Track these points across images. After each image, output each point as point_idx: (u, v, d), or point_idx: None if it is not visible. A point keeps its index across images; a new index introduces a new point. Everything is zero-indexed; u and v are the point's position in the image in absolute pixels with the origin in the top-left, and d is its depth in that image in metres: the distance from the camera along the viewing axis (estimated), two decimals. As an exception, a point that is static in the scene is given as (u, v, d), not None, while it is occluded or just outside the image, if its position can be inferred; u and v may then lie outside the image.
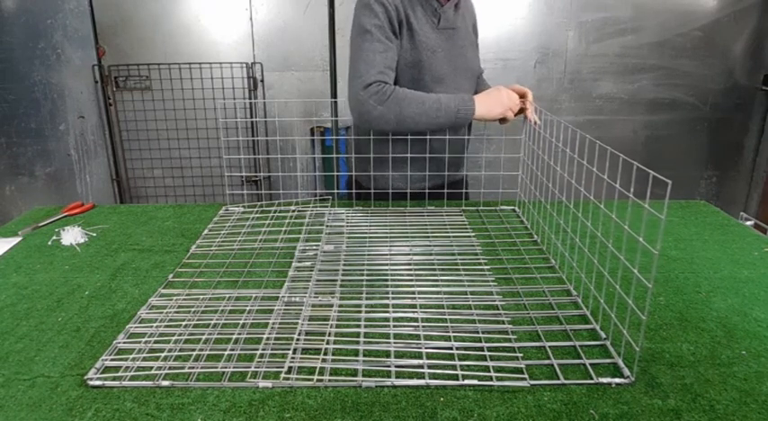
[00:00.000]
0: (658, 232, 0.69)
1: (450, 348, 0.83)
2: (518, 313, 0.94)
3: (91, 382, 0.76)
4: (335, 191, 1.49)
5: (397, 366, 0.79)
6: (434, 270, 1.09)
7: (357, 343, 0.85)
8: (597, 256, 0.95)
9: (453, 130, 1.42)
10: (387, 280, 1.05)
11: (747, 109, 2.82)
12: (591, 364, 0.79)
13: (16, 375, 0.79)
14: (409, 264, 1.12)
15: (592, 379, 0.76)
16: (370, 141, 1.42)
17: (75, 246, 1.25)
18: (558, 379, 0.76)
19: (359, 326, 0.89)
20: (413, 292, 1.00)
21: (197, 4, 2.64)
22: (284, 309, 0.94)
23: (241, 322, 0.91)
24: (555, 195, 1.16)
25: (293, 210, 1.45)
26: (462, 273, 1.08)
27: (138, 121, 2.74)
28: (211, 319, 0.92)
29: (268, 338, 0.85)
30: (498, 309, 0.95)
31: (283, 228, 1.33)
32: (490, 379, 0.76)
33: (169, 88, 2.69)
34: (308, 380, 0.76)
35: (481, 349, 0.83)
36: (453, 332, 0.87)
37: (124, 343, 0.86)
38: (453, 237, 1.26)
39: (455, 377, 0.77)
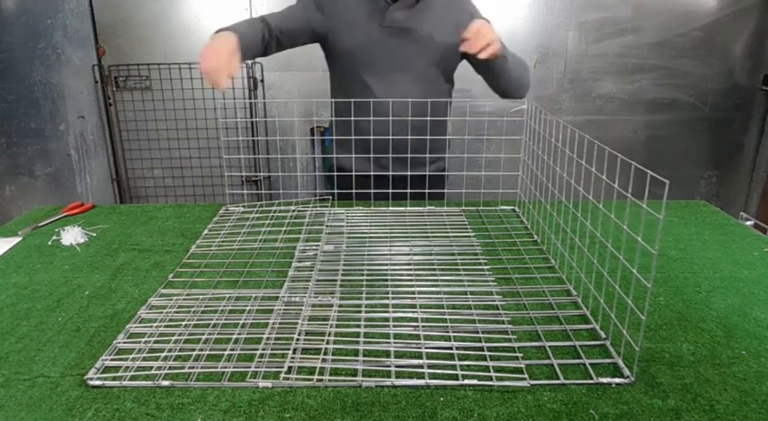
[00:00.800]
0: (657, 232, 0.69)
1: (450, 348, 0.83)
2: (518, 313, 0.94)
3: (91, 382, 0.76)
4: (335, 191, 1.49)
5: (397, 366, 0.79)
6: (434, 270, 1.09)
7: (357, 343, 0.85)
8: (597, 256, 0.95)
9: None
10: (387, 280, 1.05)
11: (747, 109, 2.82)
12: (591, 364, 0.79)
13: (16, 375, 0.79)
14: (409, 264, 1.12)
15: (592, 379, 0.76)
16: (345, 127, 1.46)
17: (75, 246, 1.25)
18: (558, 379, 0.76)
19: (359, 326, 0.89)
20: (413, 292, 1.00)
21: (197, 4, 2.64)
22: (284, 309, 0.94)
23: (241, 322, 0.91)
24: (555, 195, 1.16)
25: (293, 210, 1.45)
26: (462, 273, 1.08)
27: (138, 121, 2.73)
28: (211, 319, 0.92)
29: (268, 338, 0.85)
30: (498, 309, 0.95)
31: (283, 228, 1.33)
32: (490, 379, 0.76)
33: (169, 88, 2.68)
34: (308, 380, 0.76)
35: (481, 349, 0.83)
36: (453, 332, 0.87)
37: (124, 343, 0.86)
38: (453, 237, 1.26)
39: (455, 377, 0.77)
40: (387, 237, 1.26)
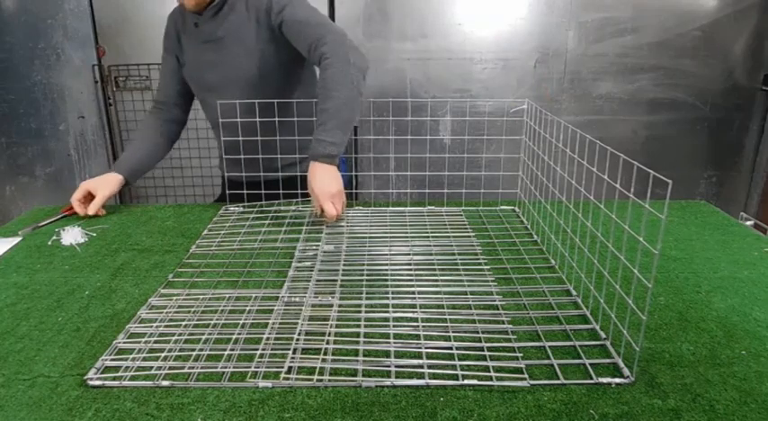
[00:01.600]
0: (658, 232, 0.69)
1: (450, 348, 0.83)
2: (518, 313, 0.94)
3: (91, 382, 0.76)
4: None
5: (396, 366, 0.79)
6: (434, 270, 1.09)
7: (357, 343, 0.85)
8: (597, 256, 0.95)
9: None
10: (387, 280, 1.05)
11: (747, 109, 2.82)
12: (591, 364, 0.79)
13: (16, 375, 0.79)
14: (409, 264, 1.12)
15: (592, 379, 0.76)
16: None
17: (76, 246, 1.25)
18: (558, 379, 0.76)
19: (359, 326, 0.89)
20: (413, 292, 1.00)
21: (197, 4, 2.64)
22: (284, 309, 0.94)
23: (241, 322, 0.91)
24: (555, 195, 1.16)
25: (293, 210, 1.45)
26: (462, 273, 1.08)
27: (138, 121, 2.73)
28: (211, 319, 0.92)
29: (268, 338, 0.85)
30: (498, 309, 0.95)
31: (283, 228, 1.33)
32: (490, 379, 0.76)
33: (169, 88, 2.68)
34: (308, 380, 0.76)
35: (481, 349, 0.83)
36: (453, 332, 0.87)
37: (124, 343, 0.86)
38: (453, 237, 1.26)
39: (455, 377, 0.77)
40: (387, 237, 1.26)
